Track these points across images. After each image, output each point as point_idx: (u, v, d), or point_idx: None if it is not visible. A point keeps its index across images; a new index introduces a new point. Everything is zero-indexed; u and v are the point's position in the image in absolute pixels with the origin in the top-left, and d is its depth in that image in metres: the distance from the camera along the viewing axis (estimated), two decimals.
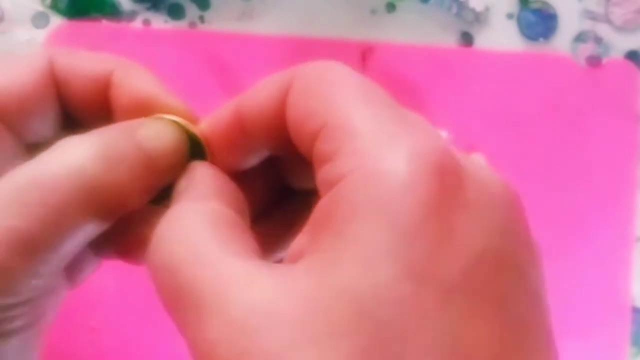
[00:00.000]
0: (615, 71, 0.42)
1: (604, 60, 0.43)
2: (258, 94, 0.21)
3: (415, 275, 0.16)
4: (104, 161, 0.21)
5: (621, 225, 0.42)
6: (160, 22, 0.42)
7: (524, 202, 0.19)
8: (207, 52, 0.42)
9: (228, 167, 0.23)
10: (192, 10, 0.42)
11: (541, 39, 0.43)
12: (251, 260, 0.18)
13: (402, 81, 0.41)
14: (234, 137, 0.22)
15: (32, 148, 0.24)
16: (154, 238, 0.20)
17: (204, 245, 0.18)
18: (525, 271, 0.17)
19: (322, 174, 0.18)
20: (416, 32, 0.42)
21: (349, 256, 0.16)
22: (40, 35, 0.41)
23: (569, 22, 0.42)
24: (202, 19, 0.42)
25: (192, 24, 0.42)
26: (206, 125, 0.23)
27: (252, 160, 0.23)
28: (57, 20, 0.41)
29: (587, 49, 0.42)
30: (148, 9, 0.42)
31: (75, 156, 0.21)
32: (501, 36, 0.42)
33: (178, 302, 0.18)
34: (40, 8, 0.41)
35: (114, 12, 0.42)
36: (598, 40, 0.43)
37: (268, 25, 0.42)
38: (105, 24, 0.42)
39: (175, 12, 0.42)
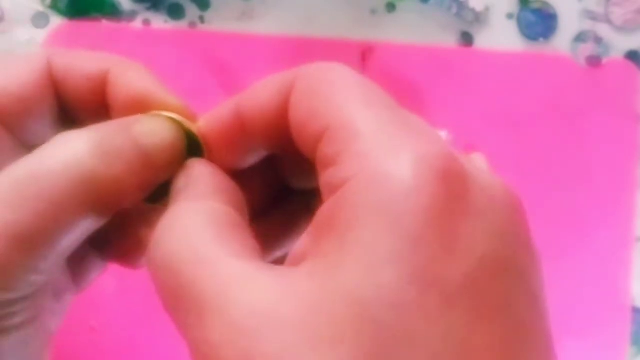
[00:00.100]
0: (615, 71, 0.42)
1: (604, 60, 0.43)
2: (259, 93, 0.21)
3: (419, 280, 0.16)
4: (102, 156, 0.21)
5: (621, 225, 0.42)
6: (160, 22, 0.42)
7: (524, 202, 0.19)
8: (207, 52, 0.42)
9: (226, 166, 0.23)
10: (192, 10, 0.42)
11: (541, 39, 0.43)
12: (252, 261, 0.18)
13: (402, 81, 0.41)
14: (233, 136, 0.22)
15: (32, 148, 0.24)
16: (154, 238, 0.19)
17: (205, 246, 0.18)
18: (526, 275, 0.17)
19: (326, 177, 0.18)
20: (416, 32, 0.42)
21: (352, 260, 0.16)
22: (40, 35, 0.41)
23: (569, 22, 0.42)
24: (202, 19, 0.42)
25: (192, 24, 0.42)
26: (205, 123, 0.23)
27: (251, 159, 0.23)
28: (57, 20, 0.41)
29: (587, 49, 0.42)
30: (148, 9, 0.42)
31: (72, 150, 0.21)
32: (501, 36, 0.42)
33: (178, 302, 0.18)
34: (40, 8, 0.41)
35: (114, 12, 0.42)
36: (598, 40, 0.43)
37: (268, 25, 0.42)
38: (105, 24, 0.42)
39: (175, 12, 0.42)
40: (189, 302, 0.17)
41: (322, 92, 0.19)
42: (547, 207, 0.41)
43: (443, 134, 0.41)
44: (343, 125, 0.18)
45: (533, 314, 0.17)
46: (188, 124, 0.23)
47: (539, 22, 0.42)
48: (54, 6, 0.41)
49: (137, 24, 0.42)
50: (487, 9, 0.42)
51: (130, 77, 0.24)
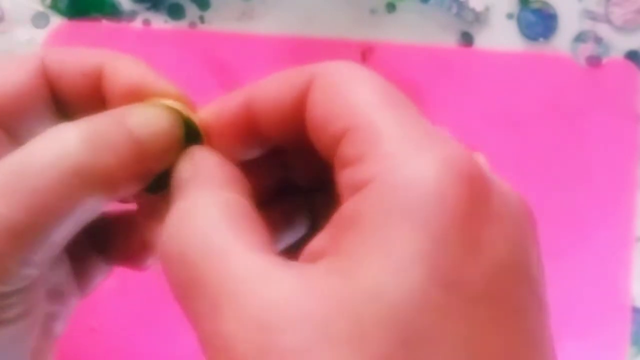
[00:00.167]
0: (615, 71, 0.42)
1: (604, 60, 0.43)
2: (272, 87, 0.21)
3: (444, 282, 0.16)
4: (89, 145, 0.21)
5: (621, 225, 0.42)
6: (160, 22, 0.42)
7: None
8: (207, 52, 0.42)
9: (229, 156, 0.23)
10: (192, 10, 0.42)
11: (541, 39, 0.43)
12: (269, 255, 0.18)
13: (402, 81, 0.41)
14: (240, 127, 0.22)
15: None
16: (167, 229, 0.19)
17: (221, 238, 0.18)
18: (536, 284, 0.18)
19: (347, 176, 0.18)
20: (416, 32, 0.42)
21: (378, 259, 0.16)
22: (40, 35, 0.41)
23: (569, 22, 0.42)
24: (202, 19, 0.42)
25: (192, 24, 0.42)
26: (212, 111, 0.23)
27: (255, 151, 0.23)
28: (57, 20, 0.41)
29: (587, 49, 0.42)
30: (148, 9, 0.42)
31: (62, 142, 0.21)
32: (501, 36, 0.42)
33: (192, 294, 0.18)
34: (40, 8, 0.41)
35: (114, 12, 0.42)
36: (598, 40, 0.43)
37: (268, 25, 0.42)
38: (105, 24, 0.42)
39: (175, 12, 0.42)
40: (204, 294, 0.17)
41: (343, 91, 0.19)
42: (547, 207, 0.41)
43: None
44: (366, 126, 0.18)
45: (541, 322, 0.17)
46: (186, 111, 0.23)
47: (539, 22, 0.42)
48: (54, 6, 0.41)
49: (137, 24, 0.42)
50: (487, 9, 0.42)
51: (125, 68, 0.24)
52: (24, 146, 0.21)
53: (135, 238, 0.25)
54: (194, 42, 0.42)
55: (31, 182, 0.20)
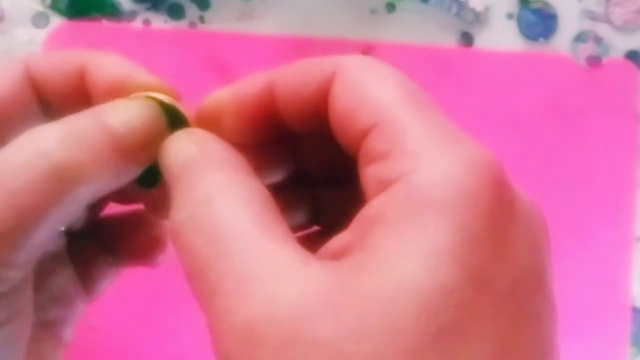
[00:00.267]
0: (615, 71, 0.42)
1: (604, 60, 0.43)
2: (295, 74, 0.21)
3: (477, 281, 0.16)
4: (64, 144, 0.20)
5: (621, 225, 0.42)
6: (160, 22, 0.42)
7: None
8: (207, 52, 0.42)
9: (236, 139, 0.22)
10: (192, 10, 0.42)
11: (541, 39, 0.43)
12: (297, 247, 0.18)
13: None
14: (259, 110, 0.22)
15: None
16: (183, 210, 0.19)
17: (248, 225, 0.18)
18: (551, 292, 0.18)
19: (373, 172, 0.18)
20: (416, 32, 0.42)
21: (411, 254, 0.16)
22: (40, 35, 0.41)
23: (569, 22, 0.42)
24: (202, 19, 0.42)
25: (192, 24, 0.42)
26: (231, 91, 0.23)
27: (267, 136, 0.23)
28: (57, 20, 0.41)
29: (587, 49, 0.42)
30: (148, 9, 0.42)
31: (35, 143, 0.21)
32: (501, 36, 0.42)
33: (214, 272, 0.17)
34: (40, 8, 0.41)
35: (114, 12, 0.42)
36: (598, 40, 0.43)
37: (268, 25, 0.42)
38: (105, 24, 0.42)
39: (175, 12, 0.42)
40: (228, 275, 0.17)
41: (369, 85, 0.19)
42: (547, 207, 0.41)
43: None
44: (392, 122, 0.18)
45: (554, 330, 0.18)
46: (170, 101, 0.23)
47: (539, 22, 0.42)
48: (54, 6, 0.41)
49: (137, 24, 0.42)
50: (487, 9, 0.42)
51: (106, 65, 0.23)
52: (1, 149, 0.21)
53: (145, 235, 0.25)
54: (194, 42, 0.42)
55: (8, 184, 0.20)
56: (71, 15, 0.41)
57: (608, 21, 0.43)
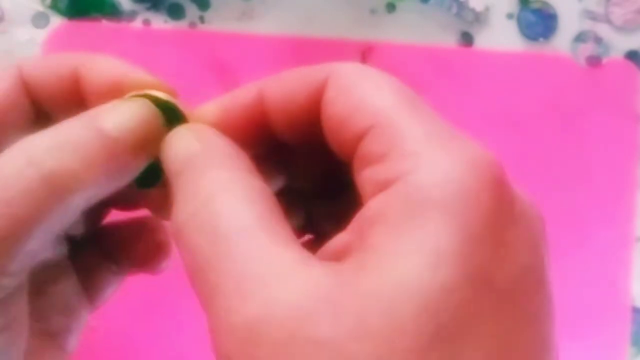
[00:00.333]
0: (615, 71, 0.42)
1: (604, 60, 0.43)
2: (286, 83, 0.21)
3: (477, 281, 0.16)
4: (55, 151, 0.20)
5: (621, 225, 0.42)
6: (160, 22, 0.42)
7: None
8: (207, 52, 0.42)
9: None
10: (192, 10, 0.42)
11: (541, 39, 0.43)
12: (299, 247, 0.18)
13: (402, 81, 0.41)
14: (250, 121, 0.22)
15: None
16: (185, 217, 0.19)
17: (250, 223, 0.18)
18: (550, 291, 0.18)
19: (370, 174, 0.18)
20: (416, 32, 0.42)
21: (412, 254, 0.16)
22: (40, 35, 0.41)
23: (569, 22, 0.42)
24: (202, 19, 0.42)
25: (192, 24, 0.42)
26: (221, 104, 0.22)
27: (259, 148, 0.23)
28: (57, 20, 0.41)
29: (587, 49, 0.42)
30: (148, 9, 0.42)
31: (26, 152, 0.20)
32: (501, 36, 0.42)
33: (216, 271, 0.17)
34: (40, 8, 0.41)
35: (114, 12, 0.42)
36: (598, 40, 0.43)
37: (268, 25, 0.42)
38: (105, 24, 0.42)
39: (175, 12, 0.42)
40: (229, 273, 0.17)
41: (365, 90, 0.19)
42: (547, 207, 0.41)
43: None
44: (389, 124, 0.18)
45: (553, 329, 0.18)
46: (168, 98, 0.23)
47: (539, 22, 0.42)
48: (54, 6, 0.41)
49: (137, 24, 0.42)
50: (487, 9, 0.42)
51: (100, 66, 0.23)
52: None
53: (148, 242, 0.25)
54: (194, 42, 0.42)
55: (0, 193, 0.20)
56: (71, 15, 0.41)
57: (608, 21, 0.43)
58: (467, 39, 0.42)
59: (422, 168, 0.17)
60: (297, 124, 0.21)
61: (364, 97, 0.19)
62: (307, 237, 0.25)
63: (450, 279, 0.16)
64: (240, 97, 0.22)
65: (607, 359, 0.42)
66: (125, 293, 0.27)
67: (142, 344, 0.40)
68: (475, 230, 0.16)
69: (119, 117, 0.21)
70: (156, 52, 0.41)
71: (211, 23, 0.42)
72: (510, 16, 0.42)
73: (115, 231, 0.26)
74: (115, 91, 0.23)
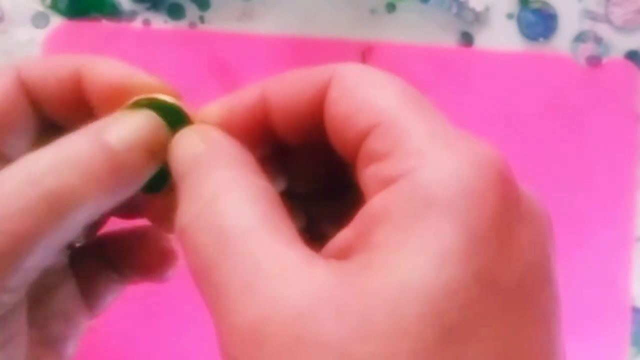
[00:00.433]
0: (615, 71, 0.42)
1: (604, 60, 0.43)
2: (289, 85, 0.21)
3: (482, 280, 0.16)
4: (56, 168, 0.20)
5: (621, 225, 0.42)
6: (160, 22, 0.42)
7: None
8: (207, 52, 0.42)
9: None
10: (192, 10, 0.42)
11: (541, 39, 0.43)
12: (303, 247, 0.18)
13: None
14: (253, 123, 0.22)
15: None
16: (190, 217, 0.19)
17: (255, 223, 0.18)
18: (557, 290, 0.18)
19: (373, 172, 0.18)
20: (416, 32, 0.42)
21: (416, 253, 0.16)
22: (40, 35, 0.41)
23: (569, 22, 0.42)
24: (202, 19, 0.42)
25: (192, 24, 0.42)
26: (224, 105, 0.22)
27: (262, 150, 0.23)
28: (57, 20, 0.41)
29: (587, 49, 0.42)
30: (148, 9, 0.42)
31: (26, 170, 0.20)
32: (501, 36, 0.42)
33: (222, 271, 0.17)
34: (40, 8, 0.41)
35: (114, 12, 0.42)
36: (598, 40, 0.43)
37: (268, 25, 0.42)
38: (105, 24, 0.42)
39: (175, 12, 0.42)
40: (235, 273, 0.17)
41: (368, 89, 0.19)
42: (547, 207, 0.41)
43: None
44: (393, 123, 0.18)
45: (559, 328, 0.18)
46: (173, 100, 0.22)
47: (539, 22, 0.42)
48: (54, 6, 0.41)
49: (137, 24, 0.42)
50: (487, 9, 0.42)
51: (103, 68, 0.23)
52: None
53: (153, 250, 0.25)
54: (194, 42, 0.42)
55: (0, 210, 0.20)
56: (71, 15, 0.41)
57: (608, 21, 0.43)
58: (467, 39, 0.42)
59: (427, 166, 0.17)
60: (299, 124, 0.21)
61: (368, 96, 0.19)
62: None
63: (456, 278, 0.16)
64: (243, 98, 0.22)
65: (607, 359, 0.42)
66: (126, 293, 0.27)
67: (143, 345, 0.40)
68: (481, 230, 0.16)
69: (124, 131, 0.21)
70: (156, 52, 0.41)
71: (211, 23, 0.42)
72: (510, 16, 0.42)
73: (116, 239, 0.26)
74: (119, 94, 0.22)
